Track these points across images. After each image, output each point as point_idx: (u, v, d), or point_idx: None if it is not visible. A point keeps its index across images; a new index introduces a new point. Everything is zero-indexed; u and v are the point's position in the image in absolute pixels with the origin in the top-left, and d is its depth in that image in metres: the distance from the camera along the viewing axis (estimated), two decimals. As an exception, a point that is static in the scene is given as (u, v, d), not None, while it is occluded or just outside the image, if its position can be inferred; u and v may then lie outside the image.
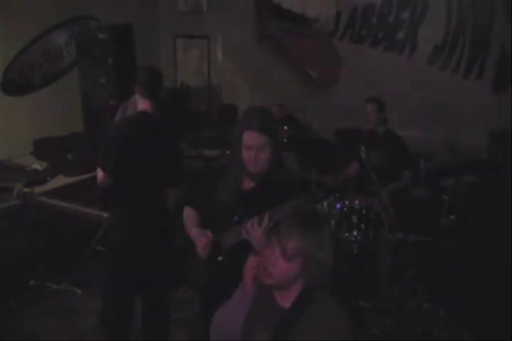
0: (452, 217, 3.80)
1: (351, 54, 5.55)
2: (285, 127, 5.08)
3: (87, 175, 4.62)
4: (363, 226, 3.84)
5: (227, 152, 4.44)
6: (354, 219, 3.86)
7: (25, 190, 3.38)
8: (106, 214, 3.40)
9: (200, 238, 2.44)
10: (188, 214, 2.65)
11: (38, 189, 4.07)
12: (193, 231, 2.51)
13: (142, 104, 3.21)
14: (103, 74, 4.87)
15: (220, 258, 2.45)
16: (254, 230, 2.21)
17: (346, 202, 3.94)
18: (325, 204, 3.92)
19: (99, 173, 3.14)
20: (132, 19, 5.35)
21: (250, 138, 2.32)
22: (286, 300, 1.83)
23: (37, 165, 4.49)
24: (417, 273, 3.76)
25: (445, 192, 3.81)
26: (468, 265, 3.95)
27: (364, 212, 3.87)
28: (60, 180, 4.53)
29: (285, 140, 5.01)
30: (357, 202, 3.93)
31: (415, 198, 3.94)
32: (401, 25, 5.25)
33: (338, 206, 3.95)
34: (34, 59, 5.06)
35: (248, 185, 2.48)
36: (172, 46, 6.52)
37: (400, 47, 5.29)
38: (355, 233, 3.83)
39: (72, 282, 4.34)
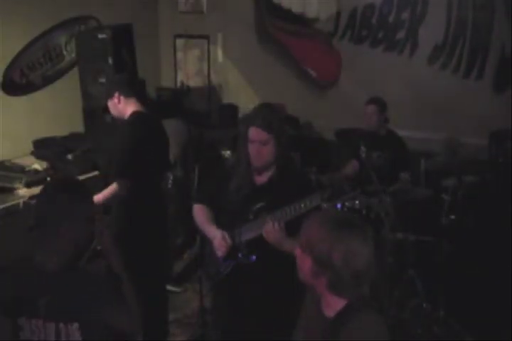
0: (452, 216, 3.80)
1: (351, 54, 5.54)
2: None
3: (87, 175, 4.61)
4: (362, 226, 3.83)
5: (226, 152, 4.46)
6: (354, 219, 3.85)
7: None
8: None
9: (221, 242, 2.51)
10: (201, 211, 2.70)
11: (38, 189, 4.07)
12: (212, 231, 2.58)
13: (133, 104, 3.26)
14: (103, 74, 4.86)
15: (240, 256, 2.52)
16: (271, 232, 2.33)
17: (346, 202, 3.94)
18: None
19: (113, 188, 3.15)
20: (132, 19, 5.34)
21: (254, 133, 2.46)
22: (329, 310, 1.81)
23: (37, 165, 4.48)
24: (417, 273, 3.76)
25: (445, 192, 3.81)
26: (468, 265, 3.95)
27: (364, 212, 3.87)
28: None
29: (288, 140, 5.00)
30: (357, 202, 3.93)
31: (415, 198, 3.93)
32: (401, 25, 5.24)
33: (339, 206, 3.94)
34: (34, 59, 5.05)
35: (260, 180, 2.57)
36: (172, 46, 6.52)
37: (400, 48, 5.28)
38: (355, 233, 3.82)
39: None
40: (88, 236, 2.07)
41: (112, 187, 3.17)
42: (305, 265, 1.76)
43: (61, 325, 1.96)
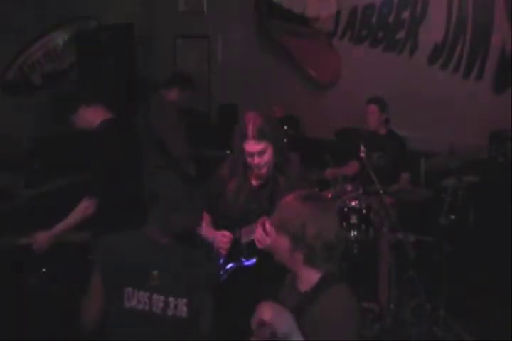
0: (452, 216, 3.80)
1: (351, 54, 5.55)
2: (285, 127, 5.07)
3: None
4: (363, 226, 3.84)
5: (228, 152, 4.44)
6: (354, 219, 3.86)
7: None
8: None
9: (221, 239, 2.51)
10: None
11: (39, 189, 4.09)
12: (211, 233, 2.58)
13: (102, 112, 3.11)
14: (103, 74, 4.87)
15: (243, 257, 2.53)
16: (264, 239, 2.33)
17: (347, 202, 3.93)
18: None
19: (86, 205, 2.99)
20: (132, 19, 5.35)
21: (250, 146, 2.46)
22: (303, 286, 1.91)
23: (37, 165, 4.49)
24: (417, 273, 3.75)
25: (445, 192, 3.81)
26: (468, 265, 3.96)
27: (364, 212, 3.87)
28: (60, 180, 4.54)
29: (285, 140, 5.00)
30: (357, 202, 3.93)
31: (415, 198, 3.93)
32: (401, 25, 5.25)
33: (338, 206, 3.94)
34: (34, 59, 5.06)
35: (258, 182, 2.58)
36: (172, 46, 6.52)
37: (400, 47, 5.29)
38: (355, 233, 3.83)
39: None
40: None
41: (82, 208, 3.01)
42: (281, 244, 1.86)
43: (170, 298, 1.99)
